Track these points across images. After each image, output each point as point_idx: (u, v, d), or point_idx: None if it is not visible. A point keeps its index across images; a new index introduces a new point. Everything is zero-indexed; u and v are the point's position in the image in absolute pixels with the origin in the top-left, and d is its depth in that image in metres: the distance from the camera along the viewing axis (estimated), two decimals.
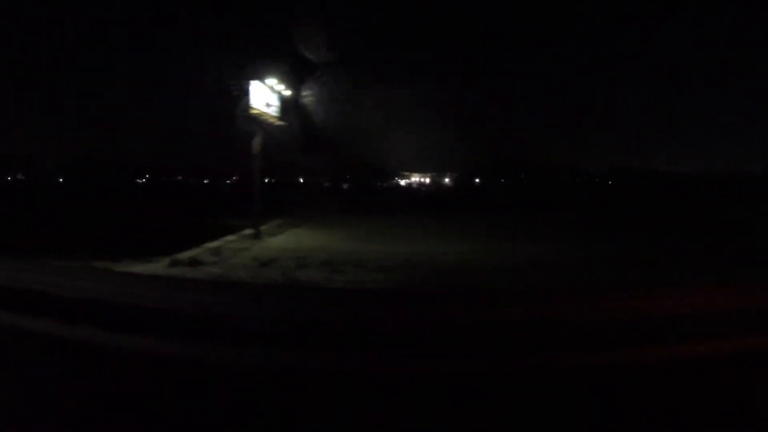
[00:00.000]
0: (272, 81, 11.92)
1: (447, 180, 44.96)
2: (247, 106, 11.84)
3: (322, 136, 12.98)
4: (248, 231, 14.99)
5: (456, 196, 34.49)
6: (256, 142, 12.82)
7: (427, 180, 46.57)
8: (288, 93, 12.18)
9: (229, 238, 13.51)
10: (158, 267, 9.18)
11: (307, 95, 12.38)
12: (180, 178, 57.27)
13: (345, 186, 37.59)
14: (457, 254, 12.40)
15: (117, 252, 10.25)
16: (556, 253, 12.39)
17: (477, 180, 44.97)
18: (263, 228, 15.21)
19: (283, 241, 13.15)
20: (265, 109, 11.97)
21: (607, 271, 10.02)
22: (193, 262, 9.39)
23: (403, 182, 46.40)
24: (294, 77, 12.23)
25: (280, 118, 12.45)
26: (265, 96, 11.99)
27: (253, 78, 11.71)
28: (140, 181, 53.53)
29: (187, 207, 26.21)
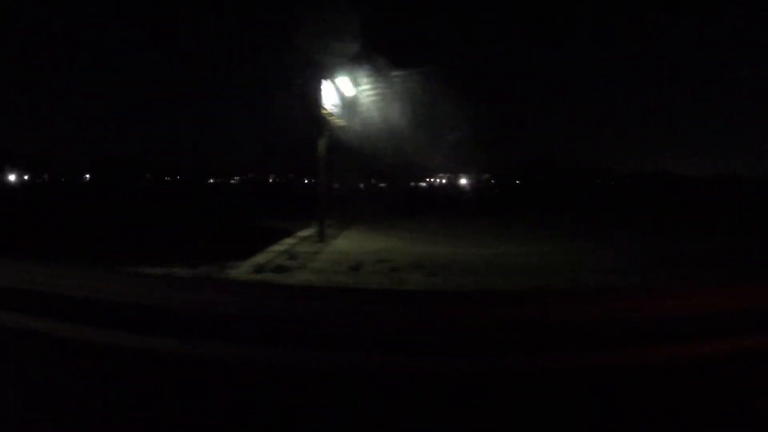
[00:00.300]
0: (342, 81, 11.41)
1: (464, 181, 44.49)
2: (315, 107, 11.36)
3: (378, 137, 12.41)
4: (305, 233, 14.49)
5: (485, 196, 34.03)
6: (322, 144, 12.31)
7: (445, 180, 46.15)
8: (352, 93, 11.65)
9: (289, 241, 12.97)
10: (241, 273, 8.65)
11: (371, 96, 11.81)
12: (178, 177, 56.86)
13: (382, 186, 37.12)
14: (526, 255, 11.88)
15: (189, 258, 9.77)
16: (627, 254, 11.94)
17: (495, 181, 44.46)
18: (313, 231, 14.73)
19: (347, 244, 12.59)
20: (332, 110, 11.48)
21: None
22: (279, 268, 8.83)
23: (424, 183, 45.98)
24: (359, 77, 11.64)
25: (345, 119, 11.97)
26: (332, 97, 11.50)
27: (322, 78, 11.21)
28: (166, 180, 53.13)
29: (215, 209, 26.10)
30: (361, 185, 35.26)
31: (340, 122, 12.08)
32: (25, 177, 47.37)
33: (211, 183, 57.39)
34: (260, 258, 10.11)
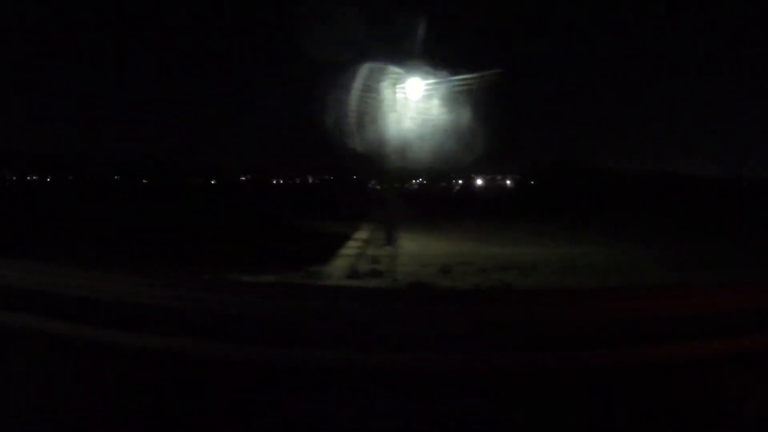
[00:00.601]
0: (409, 84, 11.19)
1: (509, 181, 44.29)
2: (390, 109, 11.14)
3: (434, 139, 12.13)
4: (362, 236, 14.27)
5: (518, 197, 33.64)
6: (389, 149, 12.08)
7: (481, 181, 45.94)
8: (418, 96, 11.42)
9: (354, 244, 12.77)
10: (334, 279, 8.41)
11: (433, 99, 11.56)
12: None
13: (415, 186, 36.98)
14: (588, 255, 11.60)
15: (267, 263, 9.55)
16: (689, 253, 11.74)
17: (522, 182, 44.05)
18: (369, 234, 14.52)
19: (414, 246, 12.33)
20: (403, 112, 11.28)
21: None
22: (375, 273, 8.59)
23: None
24: (424, 81, 11.39)
25: (411, 123, 11.74)
26: (400, 100, 11.30)
27: (391, 81, 11.00)
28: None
29: (253, 210, 25.85)
30: (396, 185, 35.00)
31: (406, 125, 11.86)
32: (31, 177, 47.40)
33: (230, 182, 57.03)
34: (341, 262, 9.87)
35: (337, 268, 9.27)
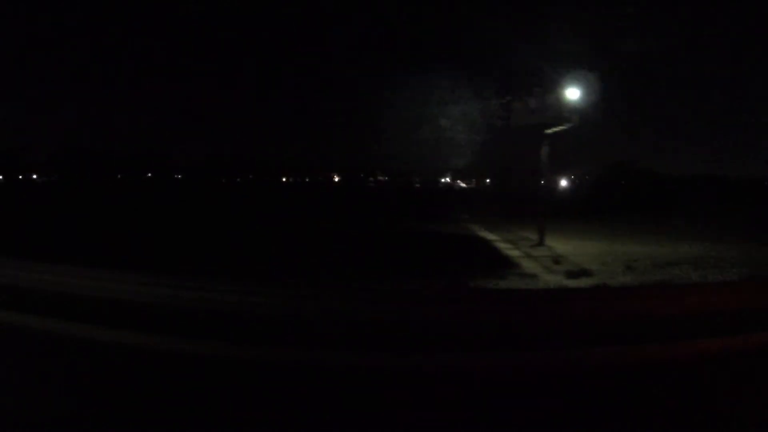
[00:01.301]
0: (570, 90, 12.76)
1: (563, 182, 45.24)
2: (544, 114, 12.66)
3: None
4: (495, 236, 15.68)
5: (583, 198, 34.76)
6: (544, 151, 13.73)
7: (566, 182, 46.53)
8: (575, 98, 12.99)
9: (504, 245, 14.24)
10: (553, 280, 9.78)
11: (583, 101, 13.09)
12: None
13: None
14: (716, 251, 12.86)
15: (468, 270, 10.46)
16: None
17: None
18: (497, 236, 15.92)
19: (564, 246, 13.81)
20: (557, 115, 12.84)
21: None
22: (583, 272, 10.11)
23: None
24: (581, 84, 12.95)
25: (564, 124, 13.27)
26: (559, 102, 12.85)
27: (553, 86, 12.53)
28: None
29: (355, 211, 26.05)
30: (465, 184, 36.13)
31: (560, 127, 13.41)
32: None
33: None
34: (528, 264, 11.36)
35: (532, 270, 10.77)
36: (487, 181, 42.50)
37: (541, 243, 13.54)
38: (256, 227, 17.84)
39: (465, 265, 11.04)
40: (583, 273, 10.09)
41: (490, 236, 16.15)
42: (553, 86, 12.72)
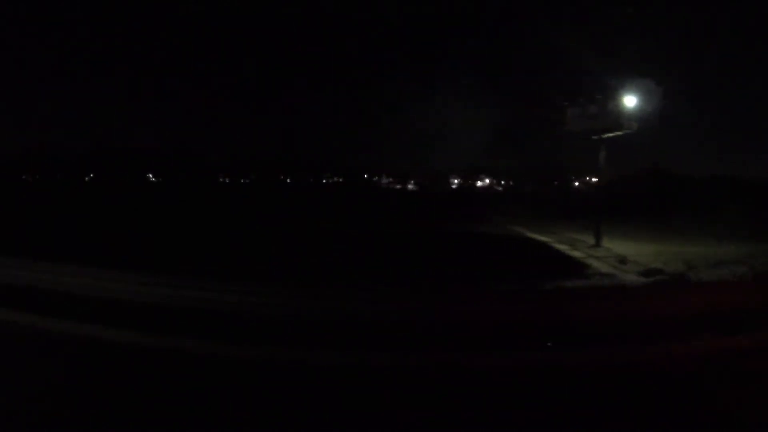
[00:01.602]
0: (629, 98, 13.41)
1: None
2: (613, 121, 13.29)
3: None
4: (545, 238, 16.26)
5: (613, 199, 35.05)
6: (602, 155, 14.40)
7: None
8: (632, 105, 13.65)
9: (561, 247, 14.87)
10: (635, 280, 10.33)
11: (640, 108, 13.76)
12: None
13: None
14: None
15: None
16: None
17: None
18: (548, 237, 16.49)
19: (617, 248, 14.41)
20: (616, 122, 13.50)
21: None
22: (655, 271, 10.74)
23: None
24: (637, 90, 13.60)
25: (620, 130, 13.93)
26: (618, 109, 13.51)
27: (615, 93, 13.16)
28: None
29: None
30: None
31: (617, 133, 14.07)
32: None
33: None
34: (597, 264, 11.98)
35: (604, 270, 11.38)
36: (510, 183, 43.02)
37: (598, 244, 14.10)
38: (298, 228, 17.90)
39: (534, 266, 11.63)
40: (656, 272, 10.64)
41: (542, 238, 16.69)
42: (613, 93, 13.36)
